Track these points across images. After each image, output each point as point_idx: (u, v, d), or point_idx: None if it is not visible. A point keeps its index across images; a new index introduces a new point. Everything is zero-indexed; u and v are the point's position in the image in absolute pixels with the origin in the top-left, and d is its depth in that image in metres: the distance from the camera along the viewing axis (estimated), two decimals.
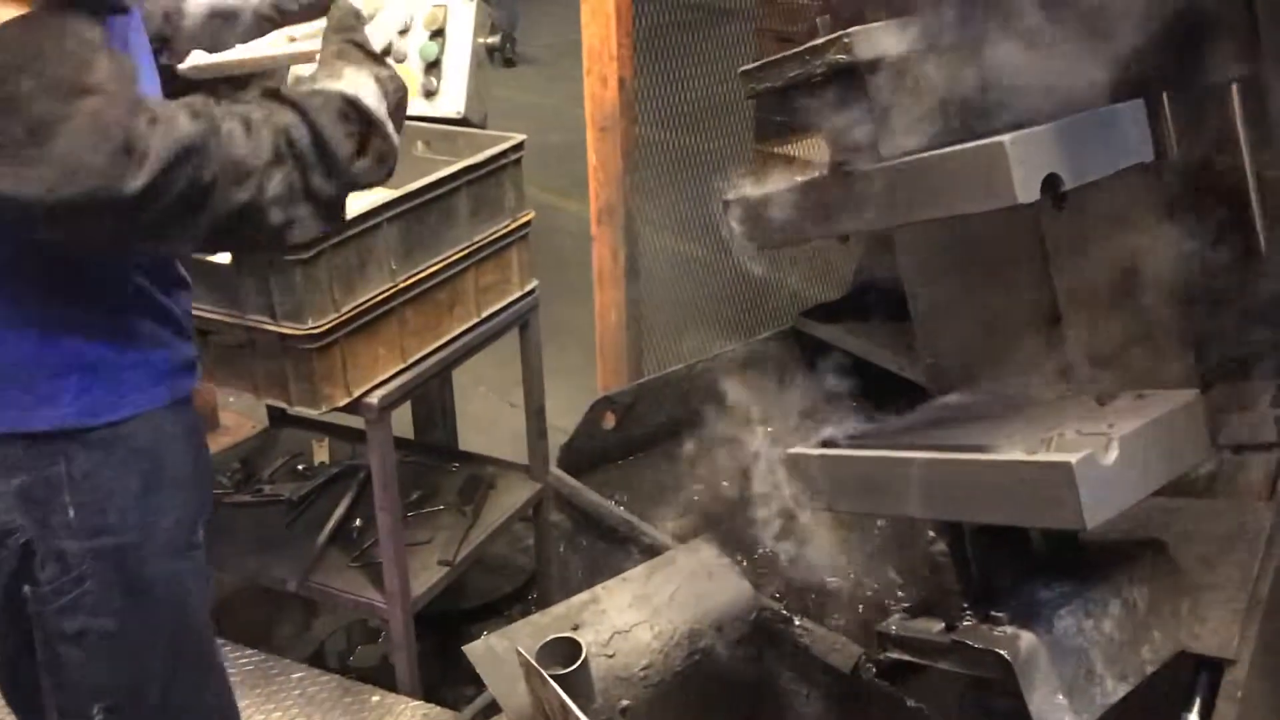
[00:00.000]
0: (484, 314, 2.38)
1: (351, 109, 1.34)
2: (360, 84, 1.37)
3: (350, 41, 1.44)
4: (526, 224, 2.47)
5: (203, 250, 1.63)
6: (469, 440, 3.03)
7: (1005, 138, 1.18)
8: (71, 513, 1.35)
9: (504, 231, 2.39)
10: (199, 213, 1.23)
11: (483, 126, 2.57)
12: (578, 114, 2.99)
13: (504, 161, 2.36)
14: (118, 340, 1.37)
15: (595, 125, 2.92)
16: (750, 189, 1.50)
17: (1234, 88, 1.53)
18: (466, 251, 2.30)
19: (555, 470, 2.69)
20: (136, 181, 1.15)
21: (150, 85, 1.41)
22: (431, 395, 2.89)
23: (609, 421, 2.80)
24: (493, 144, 2.37)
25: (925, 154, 1.26)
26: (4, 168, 1.13)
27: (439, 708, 2.27)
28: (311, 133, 1.30)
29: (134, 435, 1.38)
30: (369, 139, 1.36)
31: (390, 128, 1.39)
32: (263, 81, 1.78)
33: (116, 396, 1.37)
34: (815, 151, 1.51)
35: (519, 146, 2.39)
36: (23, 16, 1.10)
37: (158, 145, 1.16)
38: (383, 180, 1.43)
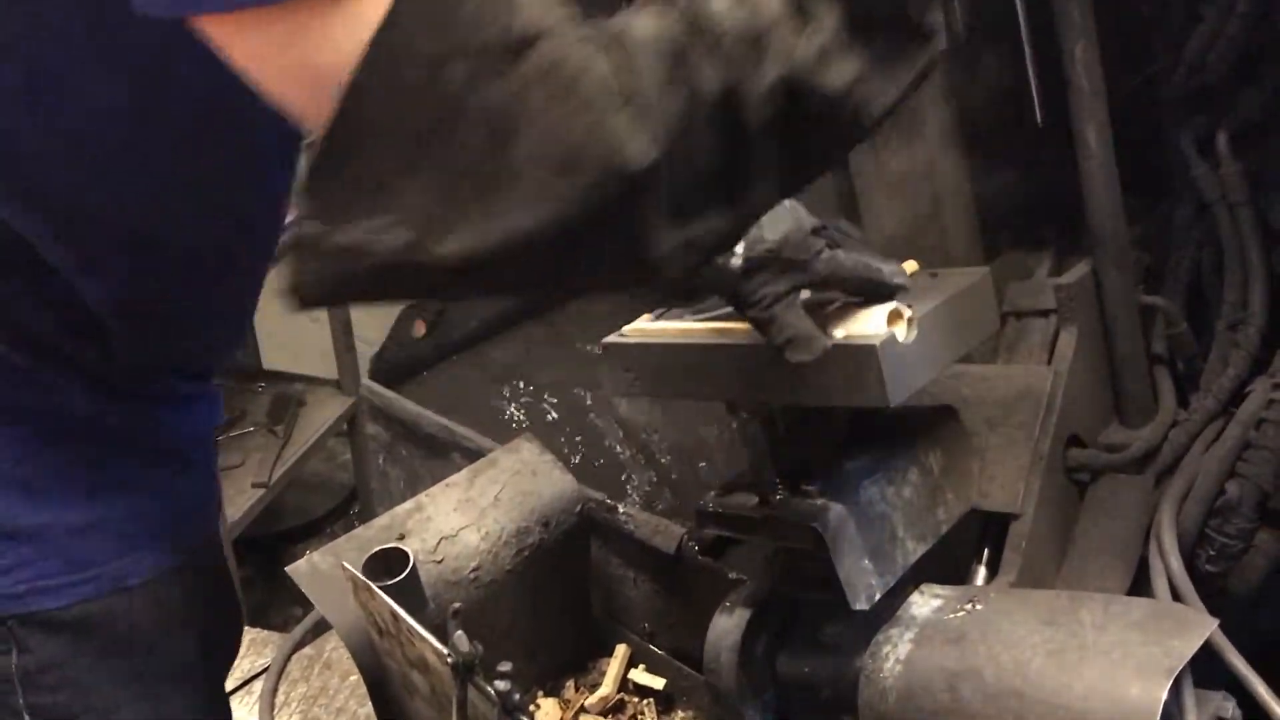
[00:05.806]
0: None
1: None
2: None
3: None
4: None
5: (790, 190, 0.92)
6: (274, 358, 2.93)
7: None
8: None
9: None
10: (733, 131, 0.74)
11: None
12: None
13: None
14: None
15: None
16: None
17: None
18: None
19: (368, 382, 2.64)
20: (642, 137, 0.67)
21: None
22: None
23: (419, 330, 2.77)
24: None
25: None
26: (455, 219, 0.66)
27: (266, 631, 2.24)
28: None
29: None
30: None
31: None
32: None
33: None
34: None
35: None
36: None
37: (642, 66, 0.68)
38: None
